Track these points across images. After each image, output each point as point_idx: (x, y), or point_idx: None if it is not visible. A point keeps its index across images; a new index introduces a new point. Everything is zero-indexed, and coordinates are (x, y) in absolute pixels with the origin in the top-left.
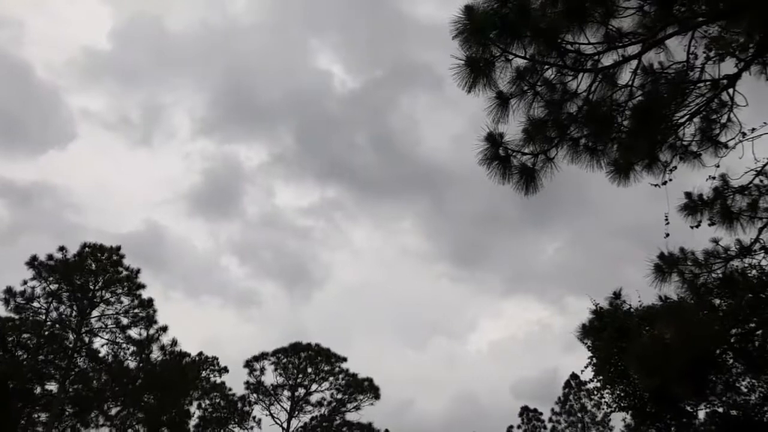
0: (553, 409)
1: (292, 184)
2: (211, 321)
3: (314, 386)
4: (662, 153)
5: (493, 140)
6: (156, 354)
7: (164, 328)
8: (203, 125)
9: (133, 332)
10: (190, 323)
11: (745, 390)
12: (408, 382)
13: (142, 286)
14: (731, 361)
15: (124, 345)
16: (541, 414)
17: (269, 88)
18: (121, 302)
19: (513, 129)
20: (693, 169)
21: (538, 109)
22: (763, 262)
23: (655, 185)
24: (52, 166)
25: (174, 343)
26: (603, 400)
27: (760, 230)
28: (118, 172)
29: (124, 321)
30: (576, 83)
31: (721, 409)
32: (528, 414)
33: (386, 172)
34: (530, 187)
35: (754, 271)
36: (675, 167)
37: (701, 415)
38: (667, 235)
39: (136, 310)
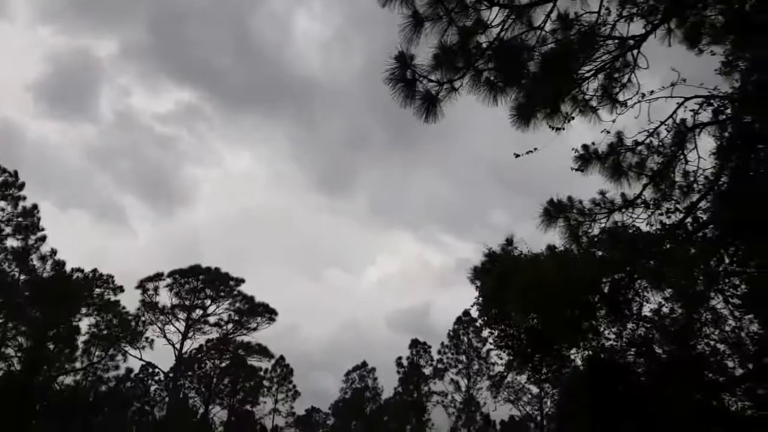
0: (442, 343)
1: (149, 84)
2: (79, 235)
3: (212, 308)
4: (564, 104)
5: (403, 61)
6: (38, 264)
7: (42, 239)
8: (45, 13)
9: (13, 242)
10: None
11: (613, 336)
12: (293, 309)
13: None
14: (602, 308)
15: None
16: (429, 347)
17: None
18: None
19: (422, 54)
20: (590, 124)
21: (451, 36)
22: (643, 216)
23: (555, 128)
24: None
25: (54, 252)
26: (487, 338)
27: (644, 186)
28: None
29: (7, 230)
30: (490, 14)
31: (590, 352)
32: (417, 347)
33: (252, 81)
34: (431, 114)
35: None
36: (573, 118)
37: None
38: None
39: (18, 219)
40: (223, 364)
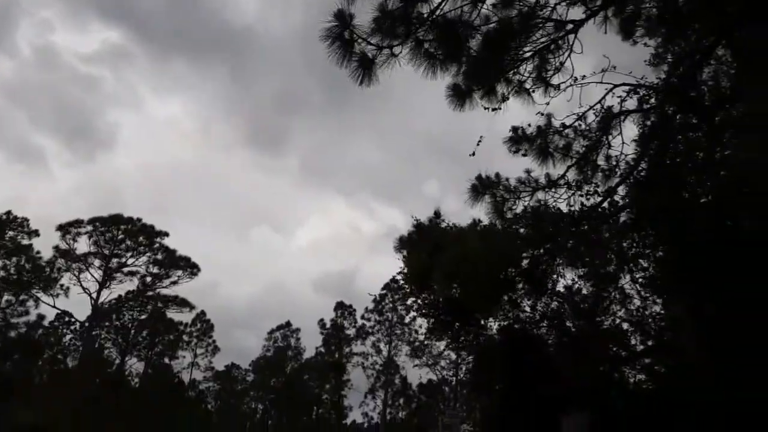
0: (367, 307)
1: (74, 21)
2: None
3: (131, 259)
4: (500, 84)
5: (343, 19)
6: None
7: None
8: None
9: None
10: None
11: (528, 309)
12: (217, 265)
13: None
14: (520, 281)
15: None
16: (354, 310)
17: None
18: None
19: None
20: (525, 105)
21: (393, 1)
22: (564, 197)
23: (490, 108)
24: None
25: None
26: (411, 305)
27: (568, 168)
28: None
29: None
30: None
31: (506, 323)
32: (342, 309)
33: (185, 26)
34: (366, 77)
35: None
36: (508, 98)
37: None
38: (473, 154)
39: None
40: (143, 317)
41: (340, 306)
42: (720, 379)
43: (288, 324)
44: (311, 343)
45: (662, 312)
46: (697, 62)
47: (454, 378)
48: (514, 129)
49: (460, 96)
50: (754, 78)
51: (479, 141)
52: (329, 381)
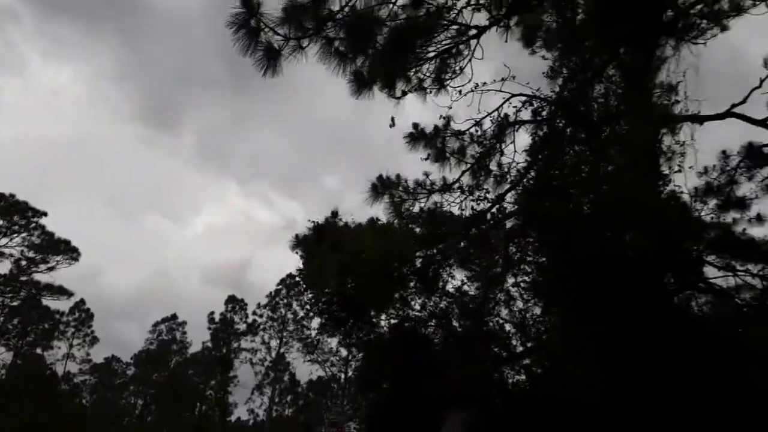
0: (259, 303)
1: None
2: None
3: (3, 239)
4: (400, 81)
5: (250, 6)
6: None
7: None
8: None
9: None
10: None
11: (418, 308)
12: (100, 250)
13: None
14: (413, 280)
15: None
16: (246, 305)
17: None
18: None
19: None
20: (425, 104)
21: None
22: (458, 200)
23: (393, 97)
24: None
25: None
26: (307, 303)
27: (463, 172)
28: None
29: None
30: None
31: (396, 321)
32: (234, 303)
33: None
34: (271, 68)
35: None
36: (407, 93)
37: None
38: (392, 124)
39: None
40: (14, 303)
41: (231, 300)
42: (589, 382)
43: (174, 316)
44: (198, 337)
45: (542, 315)
46: (590, 79)
47: (344, 375)
48: (415, 126)
49: (361, 84)
50: (634, 98)
51: (392, 123)
52: (215, 377)
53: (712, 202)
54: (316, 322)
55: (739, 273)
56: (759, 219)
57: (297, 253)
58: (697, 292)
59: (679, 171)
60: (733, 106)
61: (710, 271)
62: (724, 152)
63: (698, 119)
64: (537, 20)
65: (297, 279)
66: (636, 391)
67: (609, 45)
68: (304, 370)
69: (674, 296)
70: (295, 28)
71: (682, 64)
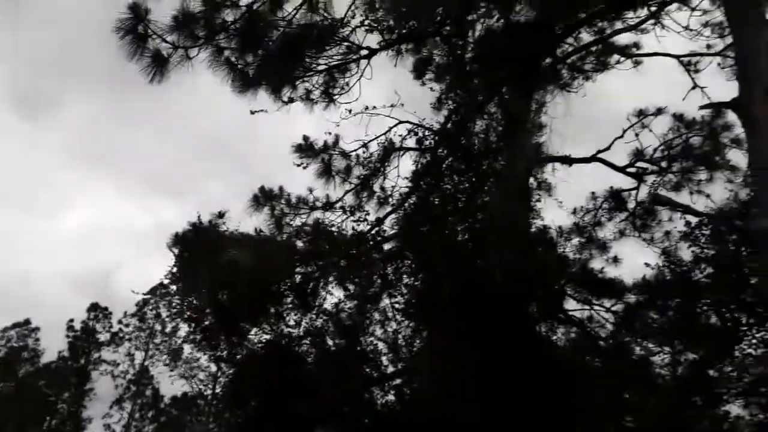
0: (126, 312)
1: None
2: None
3: None
4: (288, 87)
5: (138, 12)
6: None
7: None
8: None
9: None
10: None
11: (293, 323)
12: None
13: None
14: (290, 295)
15: None
16: (110, 313)
17: None
18: None
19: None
20: (315, 119)
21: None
22: (339, 219)
23: (282, 101)
24: None
25: None
26: (177, 312)
27: (346, 192)
28: None
29: None
30: None
31: (270, 336)
32: (97, 311)
33: None
34: (157, 76)
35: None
36: (293, 100)
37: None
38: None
39: None
40: None
41: (94, 307)
42: (455, 404)
43: (27, 321)
44: (55, 345)
45: (413, 337)
46: (472, 114)
47: (211, 392)
48: (305, 138)
49: (246, 83)
50: (512, 136)
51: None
52: (69, 389)
53: (576, 240)
54: (184, 331)
55: (595, 307)
56: (615, 260)
57: (173, 252)
58: (558, 322)
59: (560, 204)
60: (599, 151)
61: (571, 304)
62: (593, 194)
63: (568, 161)
64: (429, 53)
65: (168, 285)
66: (498, 416)
67: (492, 84)
68: (170, 385)
69: (537, 325)
70: (186, 36)
71: (557, 109)
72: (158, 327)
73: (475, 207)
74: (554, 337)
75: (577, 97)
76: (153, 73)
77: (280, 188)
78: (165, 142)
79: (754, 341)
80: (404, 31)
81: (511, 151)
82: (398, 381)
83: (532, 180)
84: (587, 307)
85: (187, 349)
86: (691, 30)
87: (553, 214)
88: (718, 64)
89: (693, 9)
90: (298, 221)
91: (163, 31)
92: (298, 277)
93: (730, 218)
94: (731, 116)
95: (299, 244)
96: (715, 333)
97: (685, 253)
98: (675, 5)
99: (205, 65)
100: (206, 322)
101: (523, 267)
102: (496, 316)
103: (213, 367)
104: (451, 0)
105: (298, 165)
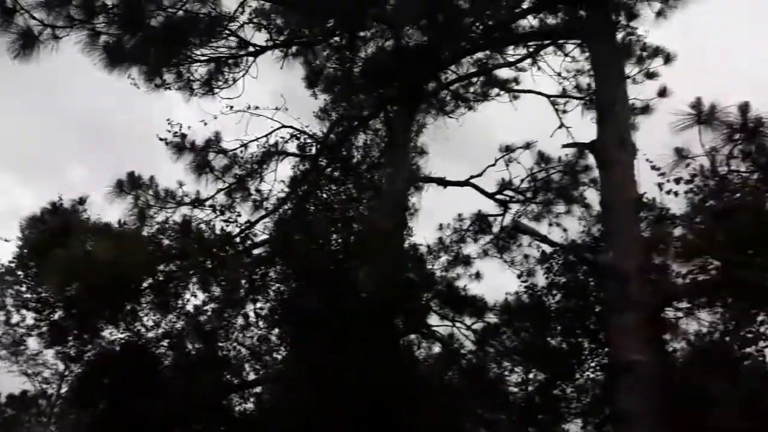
0: None
1: None
2: None
3: None
4: (168, 73)
5: None
6: None
7: None
8: None
9: None
10: None
11: (151, 324)
12: None
13: None
14: (150, 294)
15: None
16: None
17: None
18: None
19: None
20: (190, 105)
21: None
22: (207, 218)
23: (155, 85)
24: None
25: None
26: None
27: (218, 191)
28: None
29: None
30: None
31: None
32: None
33: None
34: (25, 53)
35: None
36: (169, 87)
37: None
38: None
39: None
40: None
41: None
42: (314, 413)
43: None
44: None
45: (277, 344)
46: (355, 127)
47: (56, 392)
48: (182, 135)
49: (117, 59)
50: (393, 153)
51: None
52: None
53: (444, 258)
54: (27, 321)
55: (457, 324)
56: (477, 276)
57: (25, 234)
58: (421, 336)
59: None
60: (472, 177)
61: (435, 320)
62: (459, 215)
63: (443, 183)
64: (321, 63)
65: (15, 270)
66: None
67: (377, 102)
68: (8, 381)
69: (402, 338)
70: (60, 15)
71: (437, 132)
72: (2, 318)
73: (350, 219)
74: (417, 352)
75: (457, 123)
76: (19, 50)
77: (151, 177)
78: (27, 119)
79: (594, 365)
80: (293, 34)
81: (390, 168)
82: (259, 389)
83: (408, 197)
84: (450, 323)
85: (32, 343)
86: (560, 75)
87: (426, 232)
88: (585, 107)
89: (566, 55)
90: (163, 215)
91: (32, 6)
92: (159, 276)
93: (581, 250)
94: (590, 157)
95: (164, 240)
96: (562, 356)
97: (541, 279)
98: (551, 48)
99: (80, 46)
100: (55, 316)
101: (392, 281)
102: (361, 327)
103: (60, 365)
104: (342, 14)
105: (162, 140)
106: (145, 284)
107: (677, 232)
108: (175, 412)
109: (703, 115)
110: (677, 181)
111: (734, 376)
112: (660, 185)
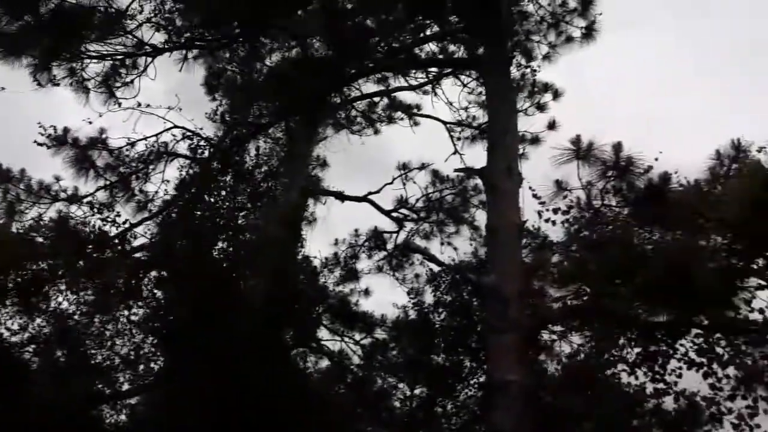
0: None
1: None
2: None
3: None
4: (59, 67)
5: None
6: None
7: None
8: None
9: None
10: None
11: (17, 328)
12: None
13: None
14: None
15: None
16: None
17: None
18: None
19: None
20: (81, 103)
21: None
22: (83, 216)
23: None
24: None
25: None
26: None
27: (99, 188)
28: None
29: None
30: None
31: None
32: None
33: None
34: None
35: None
36: (58, 84)
37: None
38: None
39: None
40: None
41: None
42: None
43: None
44: None
45: (154, 353)
46: (253, 133)
47: None
48: (65, 129)
49: (10, 50)
50: (291, 163)
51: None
52: None
53: (338, 272)
54: None
55: (346, 339)
56: (366, 292)
57: None
58: (310, 351)
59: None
60: (369, 193)
61: (324, 334)
62: (356, 230)
63: (341, 197)
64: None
65: None
66: None
67: (278, 110)
68: None
69: (290, 351)
70: None
71: (338, 145)
72: None
73: (241, 227)
74: (305, 365)
75: (358, 139)
76: None
77: (22, 170)
78: None
79: (474, 383)
80: (192, 36)
81: (287, 177)
82: (134, 400)
83: (304, 209)
84: (339, 338)
85: None
86: (452, 105)
87: (321, 245)
88: (480, 134)
89: (464, 85)
90: (34, 211)
91: None
92: (27, 275)
93: (466, 271)
94: (480, 181)
95: (36, 237)
96: (444, 373)
97: (429, 296)
98: (450, 79)
99: None
100: None
101: (282, 293)
102: (245, 340)
103: None
104: (243, 21)
105: (40, 144)
106: (10, 284)
107: (555, 258)
108: (40, 421)
109: (582, 151)
110: (555, 211)
111: (598, 397)
112: (540, 213)
